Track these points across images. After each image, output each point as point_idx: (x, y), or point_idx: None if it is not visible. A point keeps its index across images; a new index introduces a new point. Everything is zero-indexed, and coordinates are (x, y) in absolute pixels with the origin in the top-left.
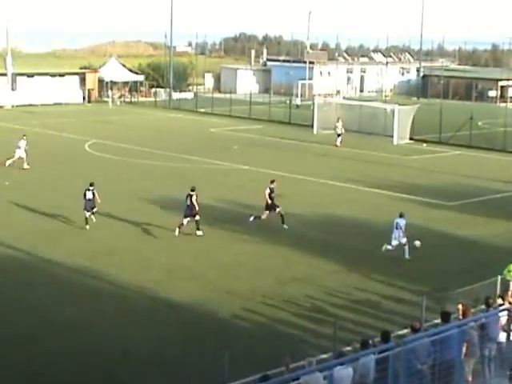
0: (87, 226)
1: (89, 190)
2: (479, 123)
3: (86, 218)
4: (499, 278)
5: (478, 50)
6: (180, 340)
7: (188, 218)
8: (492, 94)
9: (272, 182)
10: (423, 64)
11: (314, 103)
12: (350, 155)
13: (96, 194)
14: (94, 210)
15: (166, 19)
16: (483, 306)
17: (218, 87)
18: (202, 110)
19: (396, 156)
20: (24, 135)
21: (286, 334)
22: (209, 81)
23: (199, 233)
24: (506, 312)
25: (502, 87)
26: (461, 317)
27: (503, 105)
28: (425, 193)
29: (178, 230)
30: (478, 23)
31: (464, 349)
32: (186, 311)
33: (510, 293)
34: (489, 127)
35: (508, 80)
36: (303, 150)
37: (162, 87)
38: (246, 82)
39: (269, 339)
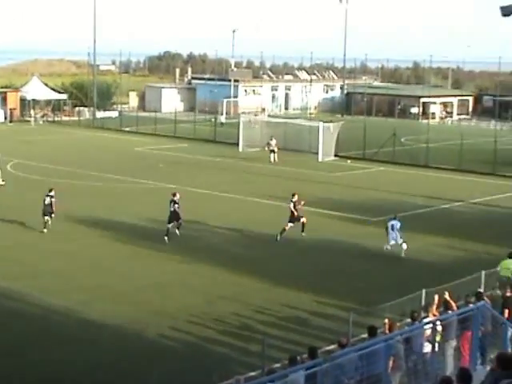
0: (45, 230)
1: (48, 195)
2: (402, 139)
3: (45, 223)
4: (424, 291)
5: (400, 67)
6: (107, 362)
7: (172, 223)
8: (414, 110)
9: (293, 195)
10: (347, 81)
11: (239, 121)
12: (275, 172)
13: (53, 200)
14: (52, 215)
15: (90, 37)
16: (408, 320)
17: (142, 106)
18: (127, 129)
19: (321, 173)
20: None
21: (214, 353)
22: (133, 99)
23: (177, 232)
24: (430, 324)
25: (423, 104)
26: (387, 331)
27: (425, 121)
28: (349, 209)
29: (166, 237)
30: (399, 42)
31: (390, 362)
32: (112, 332)
33: (434, 306)
34: (411, 143)
35: (429, 97)
36: (229, 167)
37: (85, 106)
38: (171, 101)
39: (197, 358)
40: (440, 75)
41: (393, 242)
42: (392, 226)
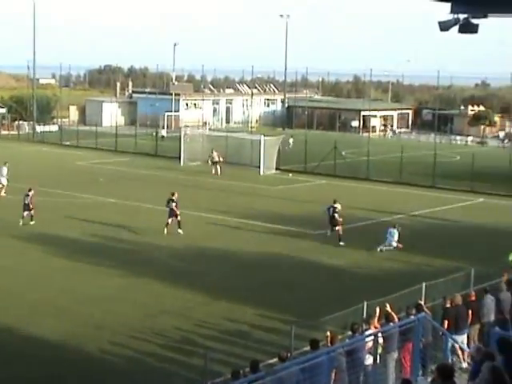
0: (20, 222)
1: (27, 195)
2: (343, 153)
3: (23, 216)
4: (365, 303)
5: (340, 81)
6: (44, 379)
7: (171, 218)
8: (355, 124)
9: (335, 202)
10: (288, 95)
11: (180, 135)
12: (216, 186)
13: (31, 199)
14: (32, 212)
15: (29, 50)
16: (350, 332)
17: (83, 120)
18: (68, 143)
19: (262, 186)
20: (6, 162)
21: (156, 367)
22: (73, 113)
23: (180, 231)
24: (371, 337)
25: (363, 117)
26: (329, 344)
27: (366, 134)
28: (291, 222)
29: (165, 229)
30: (340, 55)
31: (333, 375)
32: (50, 348)
33: (375, 318)
34: (352, 156)
35: (370, 110)
36: (170, 181)
37: (25, 120)
38: (112, 115)
39: (139, 373)
40: (380, 89)
41: (387, 247)
42: (390, 232)
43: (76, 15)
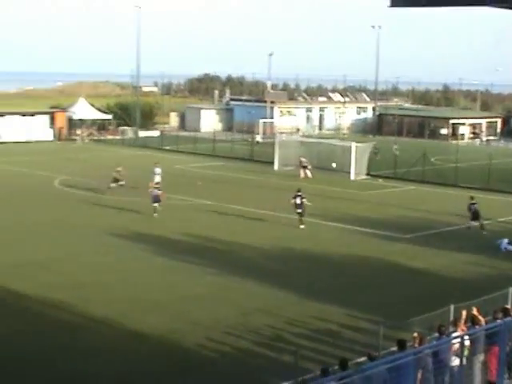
0: (155, 215)
1: (155, 188)
2: (432, 159)
3: (155, 210)
4: (452, 306)
5: (430, 90)
6: (146, 371)
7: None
8: (444, 131)
9: (472, 198)
10: (378, 103)
11: (274, 141)
12: (309, 190)
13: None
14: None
15: (133, 61)
16: (436, 334)
17: (182, 126)
18: (168, 148)
19: (353, 191)
20: (156, 163)
21: (249, 363)
22: (174, 120)
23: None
24: (458, 339)
25: (453, 125)
26: (416, 345)
27: (454, 142)
28: (380, 226)
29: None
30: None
31: (419, 376)
32: (150, 342)
33: (462, 321)
34: (441, 163)
35: (458, 119)
36: (264, 185)
37: (129, 126)
38: (210, 121)
39: (232, 368)
40: (469, 98)
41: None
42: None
43: (177, 27)
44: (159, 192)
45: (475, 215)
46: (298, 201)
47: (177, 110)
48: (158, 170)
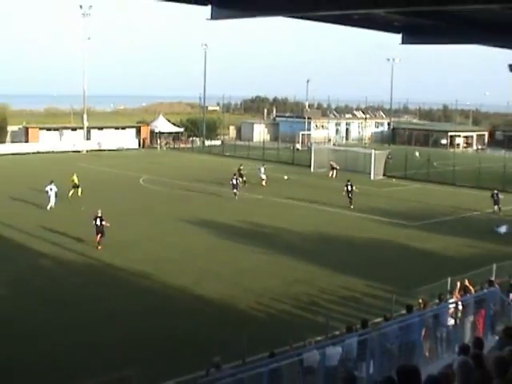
0: (235, 197)
1: (234, 177)
2: (435, 163)
3: (235, 193)
4: (449, 279)
5: (433, 109)
6: (211, 325)
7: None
8: (444, 141)
9: (495, 190)
10: (393, 119)
11: (311, 148)
12: (338, 188)
13: (237, 179)
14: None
15: (201, 86)
16: (437, 301)
17: (239, 137)
18: (227, 154)
19: (372, 188)
20: (240, 165)
21: (290, 322)
22: (232, 132)
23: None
24: (453, 304)
25: (451, 137)
26: (421, 309)
27: (452, 150)
28: (393, 215)
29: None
30: (434, 90)
31: (423, 332)
32: (215, 304)
33: (457, 290)
34: (442, 167)
35: (455, 131)
36: (303, 183)
37: (197, 136)
38: (260, 133)
39: (276, 325)
40: (463, 115)
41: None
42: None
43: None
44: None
45: (497, 202)
46: (349, 188)
47: (234, 124)
48: (262, 170)
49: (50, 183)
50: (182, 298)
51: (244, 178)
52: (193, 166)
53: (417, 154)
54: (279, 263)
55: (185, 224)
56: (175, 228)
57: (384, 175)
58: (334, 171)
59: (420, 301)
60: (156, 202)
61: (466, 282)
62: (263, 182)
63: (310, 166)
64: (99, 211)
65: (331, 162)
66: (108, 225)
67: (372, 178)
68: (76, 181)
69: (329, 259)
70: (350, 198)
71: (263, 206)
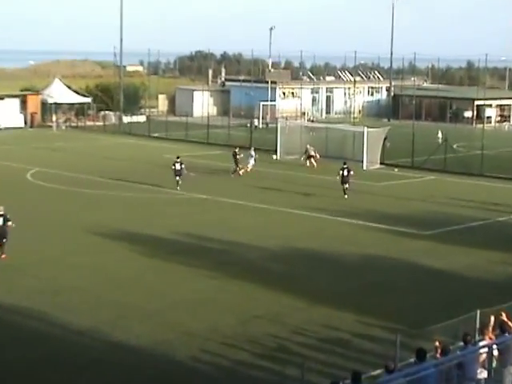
0: (178, 188)
1: (176, 163)
2: (454, 146)
3: (177, 182)
4: (478, 312)
5: (451, 67)
6: None
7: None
8: (467, 114)
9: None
10: (393, 83)
11: (277, 126)
12: (316, 182)
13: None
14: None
15: (116, 36)
16: (461, 343)
17: (172, 110)
18: (156, 135)
19: (366, 182)
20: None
21: (250, 377)
22: (162, 103)
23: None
24: (485, 348)
25: (477, 107)
26: (438, 355)
27: (480, 126)
28: (397, 221)
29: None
30: (451, 39)
31: None
32: (139, 354)
33: (490, 328)
34: (465, 150)
35: (484, 100)
36: (265, 176)
37: (111, 110)
38: (203, 104)
39: (231, 383)
40: (496, 76)
41: None
42: None
43: None
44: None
45: None
46: (346, 173)
47: (166, 93)
48: (252, 153)
49: None
50: (91, 346)
51: (239, 165)
52: (105, 153)
53: (439, 134)
54: (234, 292)
55: (96, 238)
56: (82, 243)
57: (382, 163)
58: (312, 160)
59: (436, 344)
60: (53, 206)
61: (504, 317)
62: (247, 169)
63: (275, 151)
64: (1, 207)
65: (308, 146)
66: (13, 225)
67: (365, 167)
68: None
69: (304, 286)
70: (346, 185)
71: (210, 209)
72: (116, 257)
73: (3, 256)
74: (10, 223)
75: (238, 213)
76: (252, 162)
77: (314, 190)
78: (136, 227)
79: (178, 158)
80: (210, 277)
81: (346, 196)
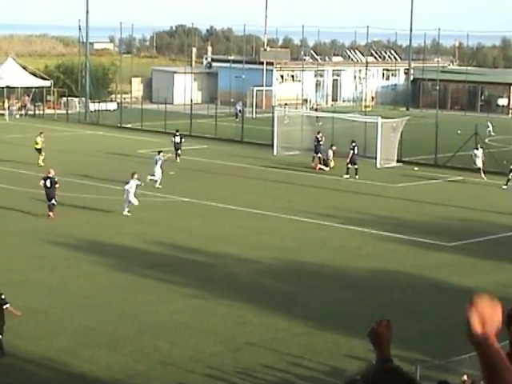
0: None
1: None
2: (486, 140)
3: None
4: None
5: (483, 46)
6: None
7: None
8: (502, 102)
9: None
10: (413, 65)
11: (273, 116)
12: (319, 183)
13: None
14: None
15: (81, 8)
16: None
17: (148, 96)
18: (129, 126)
19: (379, 183)
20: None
21: None
22: (137, 88)
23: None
24: None
25: None
26: None
27: None
28: (416, 230)
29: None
30: (483, 13)
31: None
32: None
33: None
34: (499, 145)
35: None
36: (260, 176)
37: (75, 96)
38: (186, 89)
39: None
40: None
41: None
42: None
43: None
44: None
45: None
46: (356, 151)
47: (141, 75)
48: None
49: None
50: (48, 378)
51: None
52: (68, 147)
53: (489, 127)
54: (220, 314)
55: (53, 248)
56: (37, 255)
57: (399, 161)
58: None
59: (465, 378)
60: (2, 209)
61: None
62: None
63: (272, 145)
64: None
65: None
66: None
67: (378, 165)
68: None
69: (305, 307)
70: (353, 165)
71: (192, 214)
72: (78, 272)
73: (50, 214)
74: (57, 185)
75: (226, 219)
76: (157, 172)
77: (317, 192)
78: (103, 236)
79: (177, 131)
80: (192, 296)
81: (357, 177)
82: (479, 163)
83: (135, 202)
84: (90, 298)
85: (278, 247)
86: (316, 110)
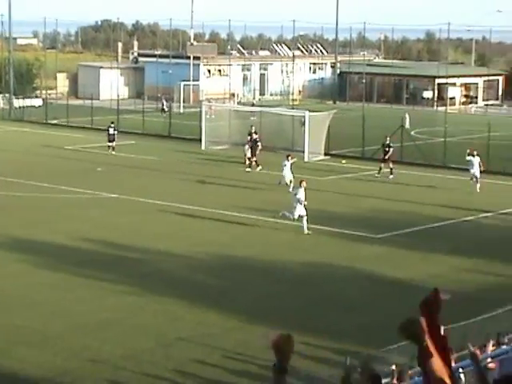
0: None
1: (110, 127)
2: (412, 133)
3: (110, 147)
4: (442, 328)
5: (408, 39)
6: None
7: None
8: (427, 94)
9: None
10: (340, 58)
11: (201, 111)
12: (247, 178)
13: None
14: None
15: (3, 1)
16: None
17: (74, 91)
18: (55, 122)
19: (308, 176)
20: None
21: None
22: (62, 83)
23: None
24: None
25: (439, 86)
26: (395, 380)
27: (442, 109)
28: (345, 223)
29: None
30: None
31: None
32: None
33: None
34: (425, 137)
35: (447, 77)
36: (188, 171)
37: None
38: (112, 85)
39: None
40: (461, 49)
41: None
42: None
43: None
44: None
45: None
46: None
47: (66, 71)
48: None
49: None
50: None
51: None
52: None
53: (406, 119)
54: (151, 310)
55: None
56: None
57: (326, 154)
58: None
59: (393, 367)
60: None
61: (471, 348)
62: None
63: (199, 140)
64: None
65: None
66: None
67: (306, 158)
68: None
69: (238, 301)
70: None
71: (123, 211)
72: (7, 271)
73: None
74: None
75: (158, 215)
76: (287, 176)
77: (244, 186)
78: (32, 234)
79: (112, 122)
80: (123, 292)
81: (391, 175)
82: (476, 172)
83: (296, 214)
84: (21, 297)
85: (209, 242)
86: (253, 104)
